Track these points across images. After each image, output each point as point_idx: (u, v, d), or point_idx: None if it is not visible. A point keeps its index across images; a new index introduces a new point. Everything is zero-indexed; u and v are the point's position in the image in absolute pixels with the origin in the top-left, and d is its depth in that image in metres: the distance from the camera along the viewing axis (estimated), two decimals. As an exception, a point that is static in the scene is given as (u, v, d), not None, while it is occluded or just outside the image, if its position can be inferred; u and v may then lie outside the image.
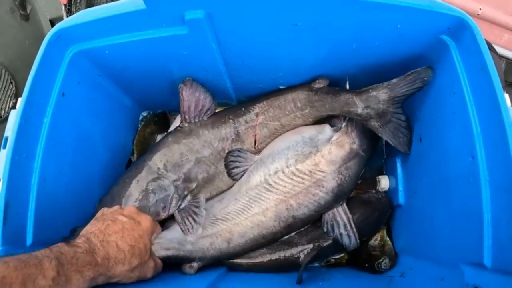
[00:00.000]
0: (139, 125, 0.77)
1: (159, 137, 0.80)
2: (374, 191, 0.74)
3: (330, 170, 0.62)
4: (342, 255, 0.73)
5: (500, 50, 0.97)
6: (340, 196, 0.64)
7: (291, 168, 0.62)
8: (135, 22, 0.50)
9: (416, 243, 0.65)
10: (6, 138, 0.52)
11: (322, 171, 0.62)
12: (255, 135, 0.67)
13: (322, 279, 0.63)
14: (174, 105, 0.72)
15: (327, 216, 0.65)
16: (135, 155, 0.78)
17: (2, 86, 0.96)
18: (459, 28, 0.51)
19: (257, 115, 0.67)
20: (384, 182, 0.73)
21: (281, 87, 0.69)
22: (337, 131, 0.64)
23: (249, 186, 0.64)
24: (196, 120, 0.66)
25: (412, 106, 0.63)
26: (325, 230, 0.65)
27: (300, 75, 0.66)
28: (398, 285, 0.60)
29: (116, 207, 0.60)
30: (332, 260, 0.74)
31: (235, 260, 0.68)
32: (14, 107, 1.01)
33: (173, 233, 0.65)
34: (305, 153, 0.63)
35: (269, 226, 0.64)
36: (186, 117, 0.65)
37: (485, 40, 0.85)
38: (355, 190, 0.76)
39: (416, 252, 0.64)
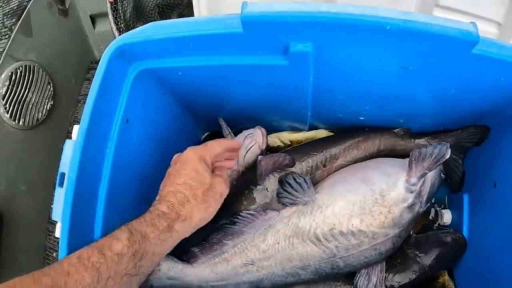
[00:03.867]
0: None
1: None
2: (451, 229, 0.67)
3: (393, 233, 0.53)
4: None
5: None
6: (388, 256, 0.56)
7: (352, 229, 0.51)
8: (224, 45, 0.39)
9: (478, 283, 0.61)
10: (62, 175, 0.42)
11: (386, 235, 0.52)
12: (327, 175, 0.58)
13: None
14: (239, 126, 0.63)
15: (363, 271, 0.56)
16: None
17: (39, 87, 0.87)
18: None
19: (337, 157, 0.58)
20: (447, 217, 0.70)
21: (361, 118, 0.60)
22: (411, 192, 0.53)
23: (296, 231, 0.52)
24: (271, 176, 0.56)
25: (490, 153, 0.62)
26: (355, 283, 0.56)
27: (385, 109, 0.58)
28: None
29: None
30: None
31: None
32: (52, 108, 0.94)
33: (200, 271, 0.52)
34: (374, 214, 0.51)
35: (306, 279, 0.55)
36: (263, 178, 0.56)
37: None
38: (422, 222, 0.72)
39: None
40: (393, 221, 0.52)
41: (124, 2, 0.77)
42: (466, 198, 0.67)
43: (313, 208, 0.52)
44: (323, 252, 0.51)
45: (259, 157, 0.52)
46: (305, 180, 0.51)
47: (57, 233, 0.41)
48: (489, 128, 0.62)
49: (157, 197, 0.42)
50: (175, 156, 0.47)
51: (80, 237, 0.41)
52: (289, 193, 0.51)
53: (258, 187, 0.54)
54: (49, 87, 0.89)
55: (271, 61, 0.41)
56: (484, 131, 0.62)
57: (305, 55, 0.39)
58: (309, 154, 0.57)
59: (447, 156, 0.50)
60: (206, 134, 0.70)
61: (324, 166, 0.57)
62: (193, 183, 0.42)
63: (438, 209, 0.74)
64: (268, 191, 0.54)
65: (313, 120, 0.62)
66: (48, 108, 0.90)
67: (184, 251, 0.54)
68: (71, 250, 0.39)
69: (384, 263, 0.56)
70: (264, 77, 0.45)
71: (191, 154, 0.44)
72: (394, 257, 0.60)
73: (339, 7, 0.34)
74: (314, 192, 0.52)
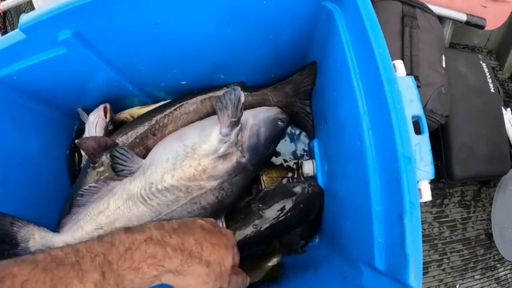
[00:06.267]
0: (74, 134, 0.73)
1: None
2: (302, 178, 0.67)
3: (211, 186, 0.53)
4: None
5: (444, 11, 0.89)
6: (220, 211, 0.57)
7: (165, 184, 0.52)
8: (24, 50, 0.48)
9: (331, 234, 0.57)
10: None
11: (201, 188, 0.53)
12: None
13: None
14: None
15: None
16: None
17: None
18: (339, -11, 0.41)
19: (165, 124, 0.61)
20: (307, 167, 0.65)
21: (182, 82, 0.62)
22: (225, 142, 0.53)
23: (129, 194, 0.55)
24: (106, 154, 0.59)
25: (320, 87, 0.59)
26: None
27: (195, 68, 0.58)
28: (308, 280, 0.53)
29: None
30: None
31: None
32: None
33: (65, 238, 0.55)
34: (184, 168, 0.52)
35: None
36: (97, 156, 0.60)
37: (417, 0, 0.74)
38: (280, 176, 0.69)
39: (331, 244, 0.56)
40: (205, 173, 0.53)
41: (13, 24, 0.85)
42: (316, 144, 0.63)
43: (140, 172, 0.56)
44: (150, 210, 0.54)
45: (76, 140, 0.58)
46: (125, 150, 0.55)
47: None
48: (316, 62, 0.58)
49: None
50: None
51: None
52: (120, 165, 0.56)
53: (96, 164, 0.61)
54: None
55: (55, 52, 0.48)
56: (314, 67, 0.59)
57: (70, 40, 0.45)
58: (136, 127, 0.61)
59: (242, 97, 0.50)
60: (76, 124, 0.75)
61: (154, 135, 0.60)
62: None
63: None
64: (105, 167, 0.60)
65: (145, 94, 0.65)
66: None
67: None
68: None
69: (222, 219, 0.57)
70: (64, 67, 0.52)
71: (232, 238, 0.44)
72: (239, 212, 0.60)
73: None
74: (137, 158, 0.56)
